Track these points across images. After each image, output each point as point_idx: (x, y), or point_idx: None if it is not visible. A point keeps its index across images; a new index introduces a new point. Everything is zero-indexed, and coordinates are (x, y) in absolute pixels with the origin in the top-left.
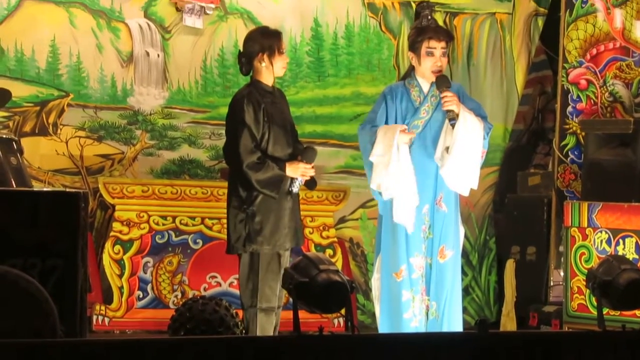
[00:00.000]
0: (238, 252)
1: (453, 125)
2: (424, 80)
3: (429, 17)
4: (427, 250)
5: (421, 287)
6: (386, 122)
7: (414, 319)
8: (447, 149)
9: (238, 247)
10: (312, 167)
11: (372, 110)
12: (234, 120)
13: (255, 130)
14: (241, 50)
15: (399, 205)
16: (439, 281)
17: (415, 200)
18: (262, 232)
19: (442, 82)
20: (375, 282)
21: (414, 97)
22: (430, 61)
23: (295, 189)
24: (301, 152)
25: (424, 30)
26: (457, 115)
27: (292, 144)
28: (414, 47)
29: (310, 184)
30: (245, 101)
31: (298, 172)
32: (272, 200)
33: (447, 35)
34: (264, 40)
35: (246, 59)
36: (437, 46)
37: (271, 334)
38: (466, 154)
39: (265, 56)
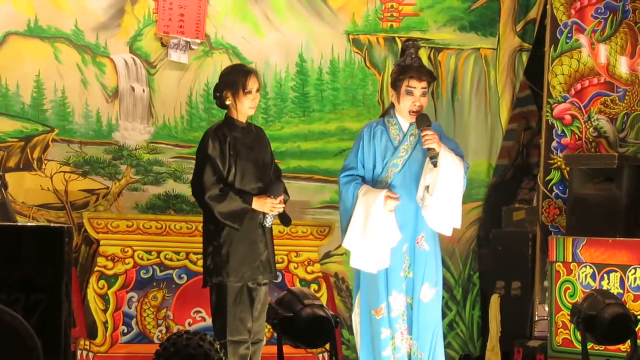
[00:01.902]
0: (207, 284)
1: (434, 164)
2: (403, 119)
3: (413, 55)
4: (407, 289)
5: (401, 326)
6: (364, 162)
7: (392, 356)
8: (427, 188)
9: (207, 279)
10: (281, 202)
11: (350, 154)
12: (199, 154)
13: (220, 163)
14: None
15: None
16: (423, 321)
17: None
18: (228, 264)
19: (422, 120)
20: (355, 318)
21: (393, 136)
22: (409, 100)
23: (267, 224)
24: (269, 185)
25: (405, 69)
26: (438, 153)
27: (264, 179)
28: (395, 84)
29: (284, 219)
30: (212, 136)
31: (265, 207)
32: (240, 232)
33: (428, 75)
34: (229, 77)
35: (218, 94)
36: (417, 86)
37: None
38: (448, 193)
39: (229, 94)
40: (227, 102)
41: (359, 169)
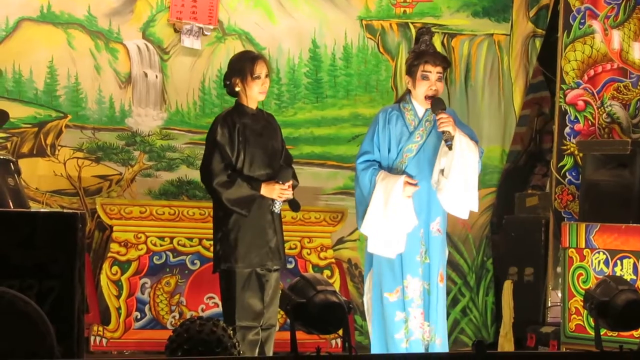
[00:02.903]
0: (216, 270)
1: (449, 147)
2: (419, 105)
3: (428, 42)
4: (424, 274)
5: (415, 310)
6: (379, 147)
7: (404, 340)
8: (442, 171)
9: (216, 265)
10: (290, 188)
11: (365, 139)
12: (208, 141)
13: (229, 150)
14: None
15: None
16: (440, 305)
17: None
18: (236, 251)
19: (437, 104)
20: (367, 301)
21: (408, 121)
22: (425, 85)
23: (276, 210)
24: (277, 171)
25: (421, 54)
26: (453, 136)
27: (273, 165)
28: (411, 70)
29: (293, 205)
30: (220, 122)
31: (274, 193)
32: (249, 218)
33: (443, 60)
34: (237, 64)
35: (228, 82)
36: (433, 70)
37: (249, 354)
38: (463, 176)
39: (238, 80)
40: (237, 89)
41: (375, 153)
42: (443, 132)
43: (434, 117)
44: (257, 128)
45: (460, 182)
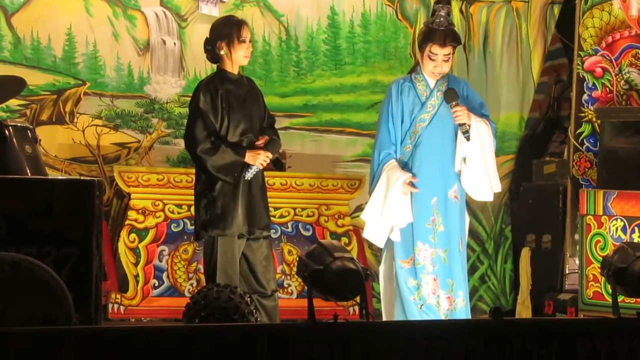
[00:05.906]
0: (202, 237)
1: (467, 138)
2: (429, 77)
3: (442, 17)
4: (438, 242)
5: (428, 277)
6: (393, 118)
7: (418, 304)
8: (464, 159)
9: (202, 232)
10: (269, 157)
11: (381, 129)
12: (191, 108)
13: (212, 117)
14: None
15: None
16: (464, 271)
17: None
18: (223, 217)
19: (450, 96)
20: (384, 270)
21: (420, 92)
22: (431, 65)
23: (248, 176)
24: (267, 143)
25: (430, 33)
26: (470, 127)
27: (256, 131)
28: (420, 47)
29: (278, 165)
30: (203, 89)
31: (257, 159)
32: (234, 185)
33: (453, 40)
34: (222, 29)
35: (210, 47)
36: (440, 52)
37: None
38: (483, 161)
39: (223, 44)
40: (221, 53)
41: (391, 150)
42: (460, 125)
43: (446, 86)
44: (240, 93)
45: (482, 169)
